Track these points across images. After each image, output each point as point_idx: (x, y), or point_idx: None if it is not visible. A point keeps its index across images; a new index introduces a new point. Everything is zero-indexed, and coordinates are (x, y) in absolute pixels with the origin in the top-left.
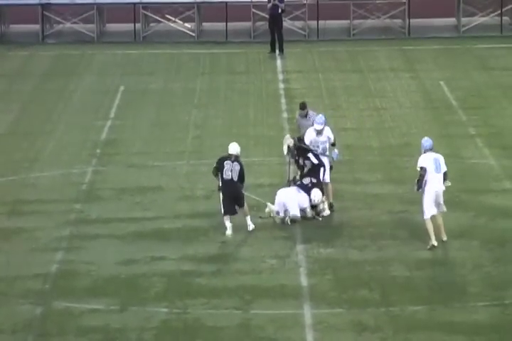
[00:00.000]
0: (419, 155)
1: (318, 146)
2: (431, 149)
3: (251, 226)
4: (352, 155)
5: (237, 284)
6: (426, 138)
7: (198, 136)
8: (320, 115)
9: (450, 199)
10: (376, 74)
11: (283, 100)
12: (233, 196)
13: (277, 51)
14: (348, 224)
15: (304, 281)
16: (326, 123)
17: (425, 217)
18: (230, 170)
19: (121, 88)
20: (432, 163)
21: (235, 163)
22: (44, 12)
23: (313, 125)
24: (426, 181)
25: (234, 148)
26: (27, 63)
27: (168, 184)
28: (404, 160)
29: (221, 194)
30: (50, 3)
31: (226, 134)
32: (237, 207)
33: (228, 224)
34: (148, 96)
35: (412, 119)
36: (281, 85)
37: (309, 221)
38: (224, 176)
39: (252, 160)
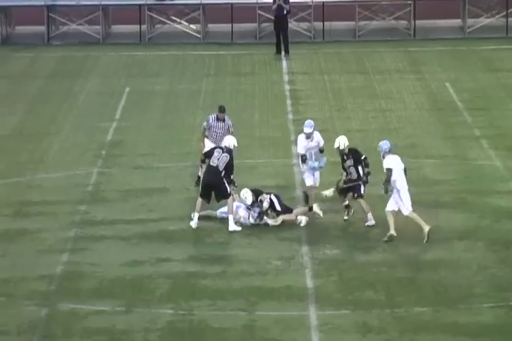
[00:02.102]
0: (382, 158)
1: (309, 152)
2: (391, 151)
3: (232, 227)
4: None
5: (242, 285)
6: (384, 141)
7: None
8: (309, 120)
9: (455, 200)
10: (381, 76)
11: (288, 101)
12: (212, 184)
13: (283, 52)
14: (353, 225)
15: (309, 283)
16: (314, 128)
17: (411, 209)
18: (217, 159)
19: (127, 89)
20: (398, 164)
21: (225, 153)
22: (49, 13)
23: (229, 128)
24: (395, 181)
25: (226, 141)
26: (32, 65)
27: (173, 185)
28: (410, 161)
29: (201, 180)
30: (55, 5)
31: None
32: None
33: (196, 214)
34: (154, 98)
35: (417, 121)
36: (287, 86)
37: (312, 222)
38: (210, 163)
39: (257, 162)
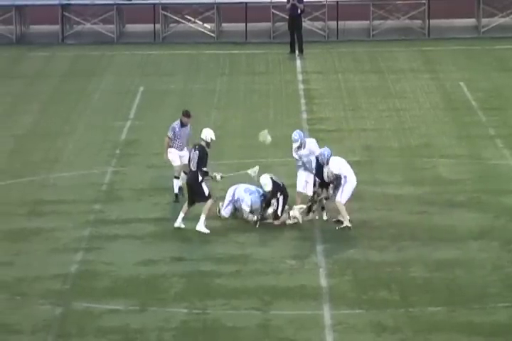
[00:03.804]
0: (330, 164)
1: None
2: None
3: (200, 227)
4: (371, 156)
5: (256, 285)
6: (323, 149)
7: (217, 136)
8: (295, 132)
9: (470, 200)
10: (396, 75)
11: (303, 101)
12: (189, 186)
13: (297, 52)
14: (367, 224)
15: (323, 282)
16: (303, 138)
17: (343, 201)
18: (191, 161)
19: (141, 89)
20: (345, 163)
21: (196, 151)
22: (64, 13)
23: (188, 134)
24: (346, 176)
25: (203, 133)
26: (47, 64)
27: None
28: (424, 161)
29: None
30: (70, 4)
31: (245, 135)
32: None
33: (181, 214)
34: (168, 97)
35: (431, 120)
36: (301, 86)
37: (326, 221)
38: (189, 166)
39: (272, 161)
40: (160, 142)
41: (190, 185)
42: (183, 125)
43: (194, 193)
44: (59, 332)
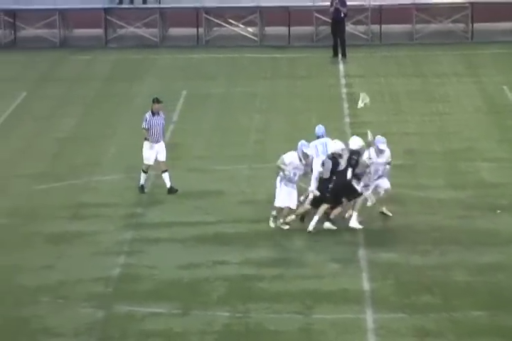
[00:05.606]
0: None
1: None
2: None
3: (353, 223)
4: (414, 159)
5: (299, 288)
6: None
7: (259, 140)
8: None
9: (511, 203)
10: (438, 79)
11: (345, 105)
12: (338, 189)
13: (340, 55)
14: (410, 228)
15: (365, 286)
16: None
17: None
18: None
19: (184, 92)
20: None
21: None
22: (107, 16)
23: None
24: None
25: (352, 143)
26: (89, 67)
27: (229, 188)
28: (467, 164)
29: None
30: (113, 8)
31: (288, 139)
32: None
33: (316, 218)
34: (211, 101)
35: (474, 124)
36: (344, 90)
37: (369, 225)
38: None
39: None
40: (201, 145)
41: (342, 186)
42: (154, 113)
43: (347, 193)
44: (101, 335)
